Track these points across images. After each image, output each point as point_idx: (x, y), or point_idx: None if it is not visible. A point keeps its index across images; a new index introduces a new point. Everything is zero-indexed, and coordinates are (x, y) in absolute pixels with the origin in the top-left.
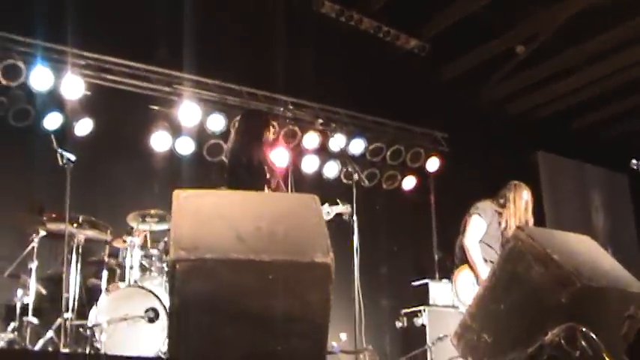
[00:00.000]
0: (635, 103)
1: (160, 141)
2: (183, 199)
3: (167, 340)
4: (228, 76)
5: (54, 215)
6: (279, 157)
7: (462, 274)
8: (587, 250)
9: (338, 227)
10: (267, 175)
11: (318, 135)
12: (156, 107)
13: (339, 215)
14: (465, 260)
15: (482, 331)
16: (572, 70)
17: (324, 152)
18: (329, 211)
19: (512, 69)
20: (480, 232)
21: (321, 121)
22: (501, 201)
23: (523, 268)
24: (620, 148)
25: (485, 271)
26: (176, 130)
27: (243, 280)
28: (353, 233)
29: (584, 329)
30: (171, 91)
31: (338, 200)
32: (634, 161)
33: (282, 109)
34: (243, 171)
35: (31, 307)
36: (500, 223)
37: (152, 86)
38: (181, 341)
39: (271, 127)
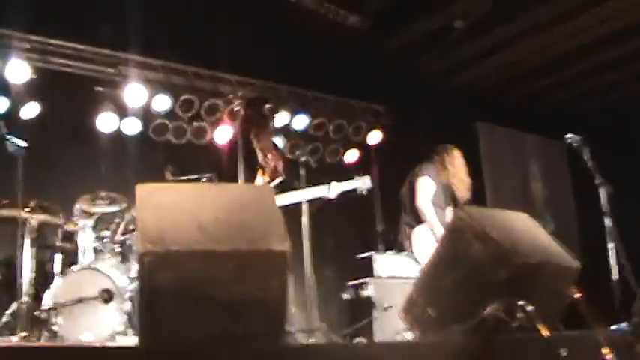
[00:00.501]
0: (570, 72)
1: (106, 122)
2: (146, 193)
3: (123, 320)
4: (173, 56)
5: (5, 201)
6: (224, 134)
7: (417, 232)
8: (524, 227)
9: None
10: (261, 160)
11: None
12: (101, 89)
13: (352, 191)
14: (418, 222)
15: (427, 306)
16: (509, 42)
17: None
18: (337, 189)
19: (452, 42)
20: (431, 192)
21: (268, 105)
22: (438, 165)
23: (464, 246)
24: (558, 116)
25: (441, 230)
26: (122, 111)
27: (206, 269)
28: (302, 214)
29: (521, 302)
30: (116, 73)
31: (355, 176)
32: (569, 135)
33: (230, 94)
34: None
35: None
36: (442, 184)
37: (97, 68)
38: (150, 327)
39: (267, 113)
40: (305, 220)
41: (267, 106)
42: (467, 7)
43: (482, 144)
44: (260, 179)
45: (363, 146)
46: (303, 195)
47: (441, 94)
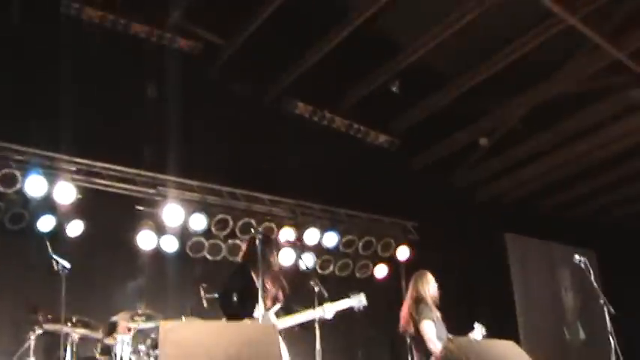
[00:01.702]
0: (598, 183)
1: (146, 240)
2: (168, 330)
3: None
4: (209, 177)
5: (49, 316)
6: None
7: None
8: (509, 355)
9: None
10: (263, 295)
11: (293, 230)
12: (142, 208)
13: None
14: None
15: None
16: (536, 155)
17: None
18: (332, 309)
19: (478, 158)
20: (435, 332)
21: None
22: (420, 295)
23: None
24: (587, 225)
25: None
26: (161, 230)
27: None
28: (318, 335)
29: None
30: (155, 193)
31: (349, 294)
32: (576, 256)
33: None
34: (237, 295)
35: None
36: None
37: (138, 188)
38: None
39: (275, 251)
40: (317, 341)
41: (264, 241)
42: (492, 125)
43: (510, 255)
44: (261, 305)
45: (392, 261)
46: (301, 318)
47: (469, 207)
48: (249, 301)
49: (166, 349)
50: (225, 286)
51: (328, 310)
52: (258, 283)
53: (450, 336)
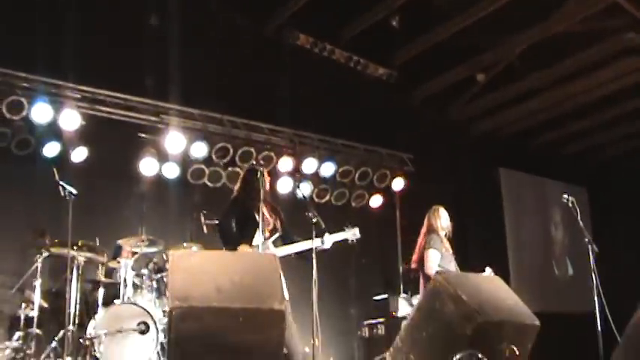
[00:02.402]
0: (592, 122)
1: (148, 166)
2: (177, 257)
3: (158, 349)
4: (210, 105)
5: (56, 240)
6: None
7: None
8: (494, 289)
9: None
10: (259, 223)
11: (291, 159)
12: (144, 135)
13: (344, 241)
14: None
15: (410, 353)
16: (533, 92)
17: (297, 174)
18: (330, 240)
19: (475, 93)
20: (438, 261)
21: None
22: (432, 227)
23: (440, 305)
24: (580, 163)
25: None
26: (163, 157)
27: (221, 322)
28: (313, 263)
29: (480, 355)
30: (158, 121)
31: (344, 227)
32: (565, 195)
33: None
34: (235, 224)
35: (35, 320)
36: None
37: (141, 116)
38: None
39: (266, 180)
40: (314, 270)
41: (259, 174)
42: (490, 61)
43: (504, 190)
44: (259, 235)
45: (387, 192)
46: (298, 247)
47: (464, 141)
48: (246, 230)
49: (176, 274)
50: (223, 216)
51: (327, 241)
52: (257, 214)
53: (455, 269)
